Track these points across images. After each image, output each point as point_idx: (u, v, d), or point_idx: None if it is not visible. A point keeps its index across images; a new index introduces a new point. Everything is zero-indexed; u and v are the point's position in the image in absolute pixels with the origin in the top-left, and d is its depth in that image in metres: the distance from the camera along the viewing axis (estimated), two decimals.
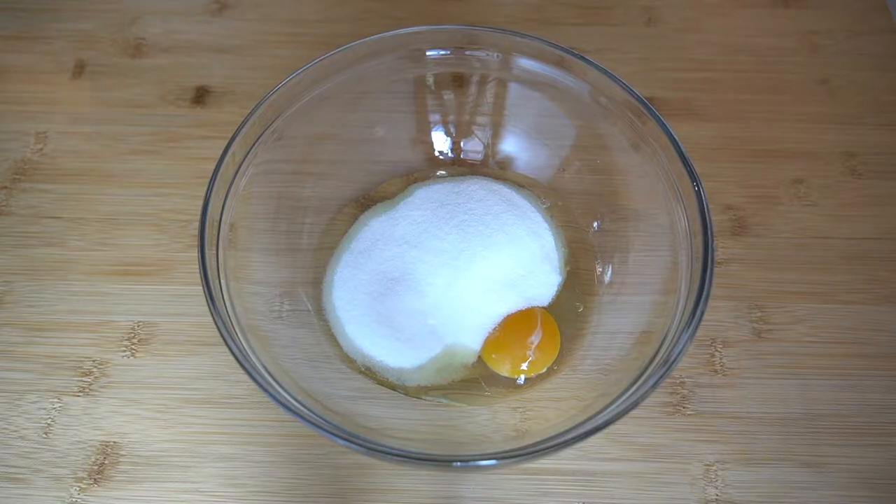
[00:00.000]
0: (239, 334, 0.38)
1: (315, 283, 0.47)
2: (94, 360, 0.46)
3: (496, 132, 0.51)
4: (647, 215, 0.45)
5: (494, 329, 0.44)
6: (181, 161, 0.54)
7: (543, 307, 0.45)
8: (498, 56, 0.46)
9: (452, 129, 0.51)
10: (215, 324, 0.36)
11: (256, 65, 0.58)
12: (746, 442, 0.43)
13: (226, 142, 0.41)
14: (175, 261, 0.49)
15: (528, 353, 0.43)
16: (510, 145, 0.51)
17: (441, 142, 0.51)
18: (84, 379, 0.45)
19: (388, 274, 0.45)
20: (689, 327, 0.36)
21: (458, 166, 0.51)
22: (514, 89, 0.48)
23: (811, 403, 0.44)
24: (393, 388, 0.43)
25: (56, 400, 0.45)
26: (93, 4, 0.62)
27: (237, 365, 0.35)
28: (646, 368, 0.37)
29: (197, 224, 0.39)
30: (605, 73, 0.43)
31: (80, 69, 0.58)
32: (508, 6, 0.62)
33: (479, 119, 0.51)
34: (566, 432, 0.35)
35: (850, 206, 0.51)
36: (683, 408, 0.44)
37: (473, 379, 0.44)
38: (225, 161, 0.41)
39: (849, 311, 0.47)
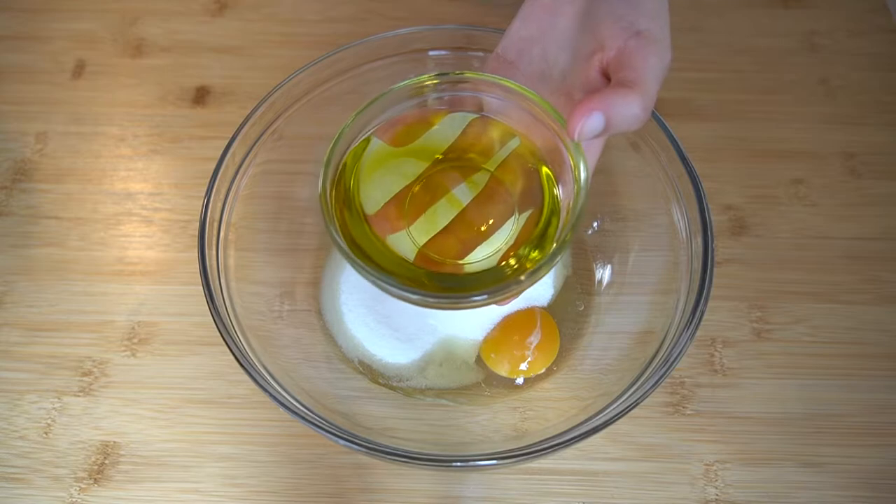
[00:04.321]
0: (239, 334, 0.38)
1: (315, 283, 0.47)
2: (94, 360, 0.46)
3: None
4: (647, 215, 0.45)
5: (494, 329, 0.44)
6: (181, 161, 0.54)
7: (543, 307, 0.45)
8: None
9: None
10: (215, 324, 0.36)
11: (256, 65, 0.58)
12: (746, 442, 0.43)
13: (226, 142, 0.41)
14: (175, 261, 0.49)
15: (527, 353, 0.43)
16: None
17: None
18: (84, 379, 0.45)
19: None
20: (689, 327, 0.36)
21: None
22: None
23: (811, 403, 0.44)
24: (392, 388, 0.43)
25: (56, 400, 0.45)
26: (93, 4, 0.62)
27: (237, 365, 0.35)
28: (646, 368, 0.37)
29: (197, 224, 0.39)
30: None
31: (80, 69, 0.58)
32: (508, 6, 0.62)
33: None
34: (566, 432, 0.35)
35: (850, 206, 0.51)
36: (683, 408, 0.44)
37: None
38: (225, 161, 0.41)
39: (849, 311, 0.47)
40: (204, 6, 0.62)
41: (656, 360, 0.37)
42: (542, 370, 0.43)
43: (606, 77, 0.33)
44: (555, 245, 0.32)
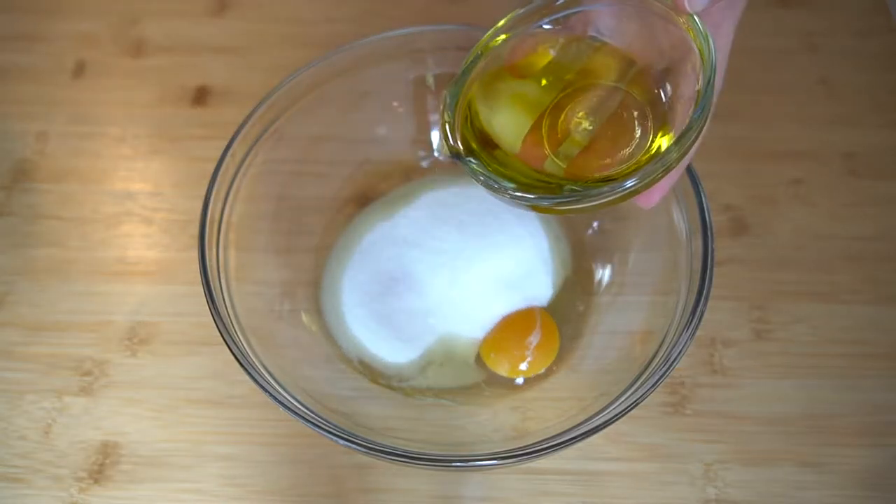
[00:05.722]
0: (239, 334, 0.38)
1: (315, 283, 0.47)
2: (94, 360, 0.46)
3: None
4: (646, 215, 0.44)
5: (493, 328, 0.44)
6: (181, 161, 0.54)
7: (542, 307, 0.45)
8: None
9: None
10: (215, 324, 0.36)
11: (256, 65, 0.58)
12: (746, 442, 0.43)
13: (226, 142, 0.41)
14: (175, 261, 0.49)
15: (527, 353, 0.43)
16: None
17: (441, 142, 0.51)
18: (84, 379, 0.45)
19: (388, 274, 0.45)
20: (689, 327, 0.36)
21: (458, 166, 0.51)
22: None
23: (811, 403, 0.44)
24: (392, 388, 0.43)
25: (56, 400, 0.45)
26: (93, 4, 0.62)
27: (237, 365, 0.35)
28: (646, 368, 0.37)
29: (197, 224, 0.39)
30: None
31: (80, 69, 0.58)
32: (508, 6, 0.62)
33: None
34: (566, 432, 0.35)
35: (850, 206, 0.51)
36: (683, 408, 0.44)
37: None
38: (225, 161, 0.41)
39: (849, 311, 0.47)
40: (204, 6, 0.62)
41: (656, 361, 0.37)
42: (542, 370, 0.43)
43: None
44: (698, 105, 0.30)
